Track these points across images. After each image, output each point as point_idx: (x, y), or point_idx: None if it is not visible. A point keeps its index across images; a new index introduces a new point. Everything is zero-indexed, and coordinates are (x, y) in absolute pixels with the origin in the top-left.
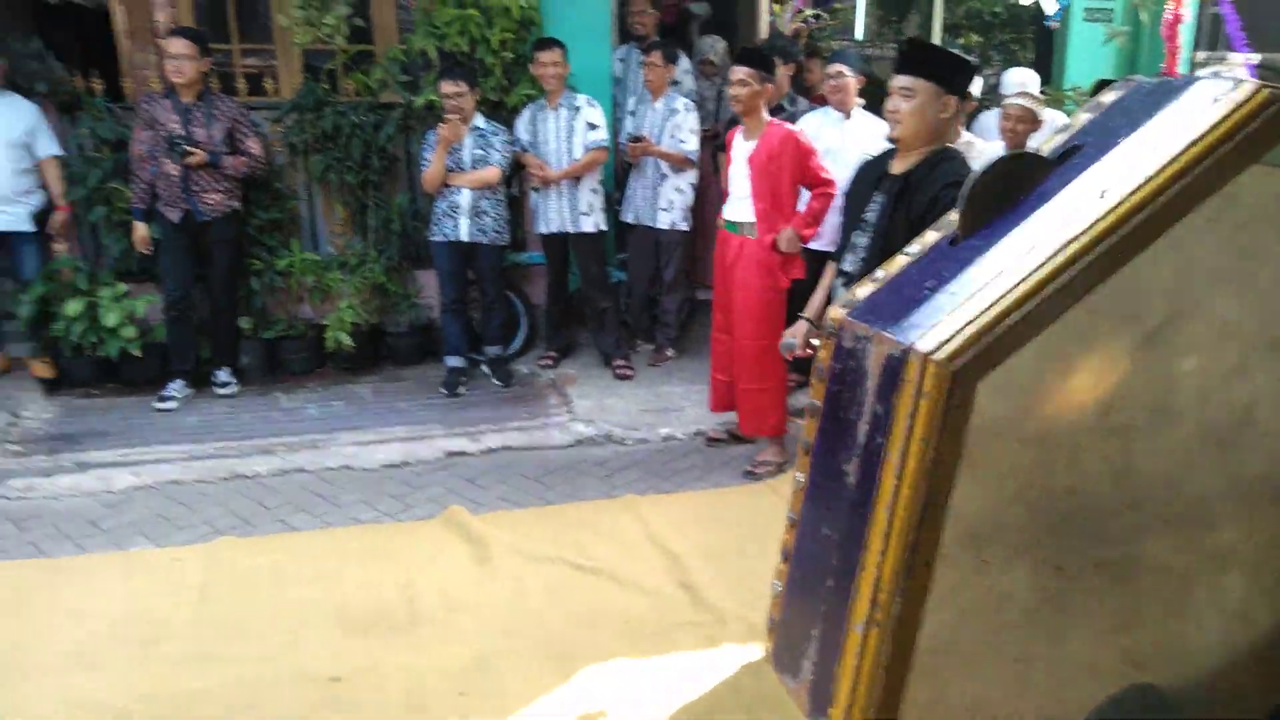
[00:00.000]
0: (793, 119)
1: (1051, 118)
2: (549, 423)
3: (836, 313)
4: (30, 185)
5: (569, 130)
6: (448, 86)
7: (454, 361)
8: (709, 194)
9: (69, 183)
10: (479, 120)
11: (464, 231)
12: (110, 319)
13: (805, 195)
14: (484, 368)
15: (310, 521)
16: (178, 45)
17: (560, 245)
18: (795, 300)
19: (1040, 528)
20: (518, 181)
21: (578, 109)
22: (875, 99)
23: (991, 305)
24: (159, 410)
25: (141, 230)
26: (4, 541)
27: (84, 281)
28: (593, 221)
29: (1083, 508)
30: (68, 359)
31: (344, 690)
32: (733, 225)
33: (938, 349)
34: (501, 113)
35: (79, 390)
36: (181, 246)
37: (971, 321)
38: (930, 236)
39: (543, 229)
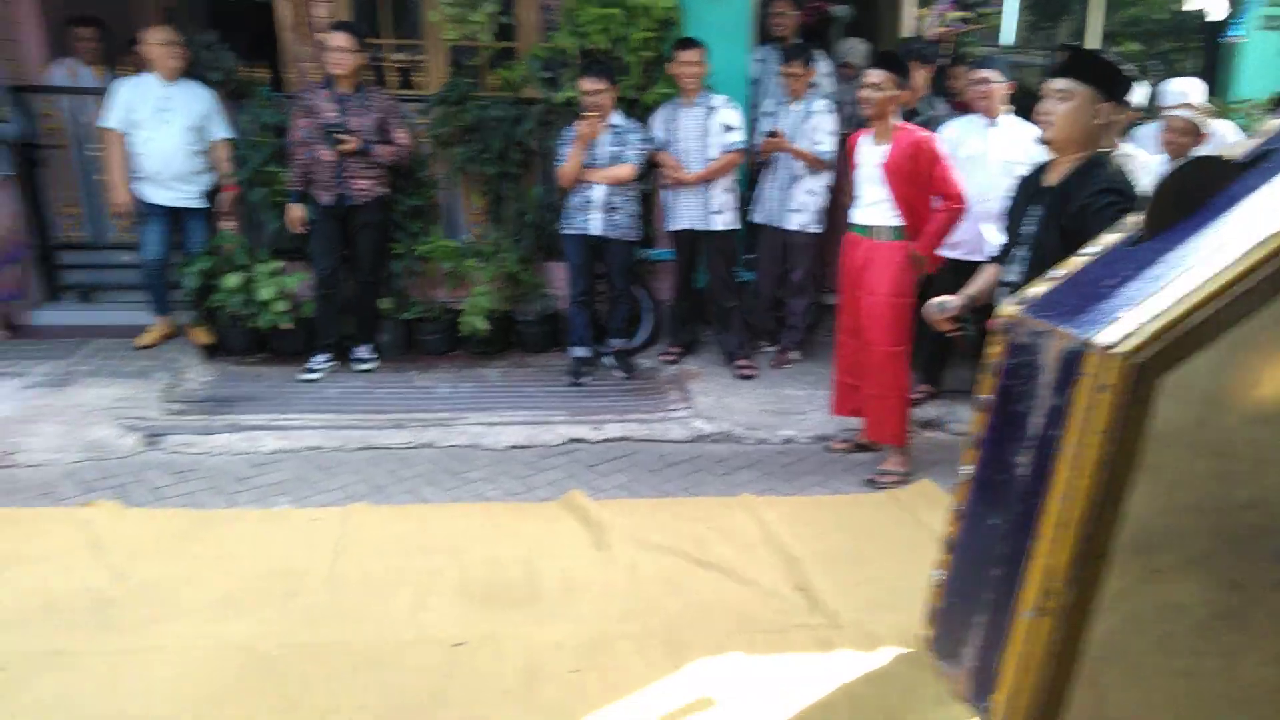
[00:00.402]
0: (929, 124)
1: (1219, 130)
2: (669, 417)
3: (1010, 309)
4: (202, 165)
5: (704, 129)
6: (588, 83)
7: (579, 352)
8: (841, 198)
9: (235, 164)
10: (616, 117)
11: (596, 226)
12: (264, 293)
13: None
14: (607, 359)
15: (438, 494)
16: (338, 39)
17: (690, 242)
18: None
19: (1218, 540)
20: (651, 179)
21: (714, 109)
22: (1024, 107)
23: (1176, 303)
24: (304, 380)
25: (296, 211)
26: (164, 491)
27: (243, 256)
28: (724, 220)
29: (1267, 523)
30: (225, 328)
31: (465, 655)
32: (862, 229)
33: (1119, 343)
34: (638, 111)
35: (234, 358)
36: (331, 228)
37: (1154, 318)
38: (1109, 238)
39: (674, 226)
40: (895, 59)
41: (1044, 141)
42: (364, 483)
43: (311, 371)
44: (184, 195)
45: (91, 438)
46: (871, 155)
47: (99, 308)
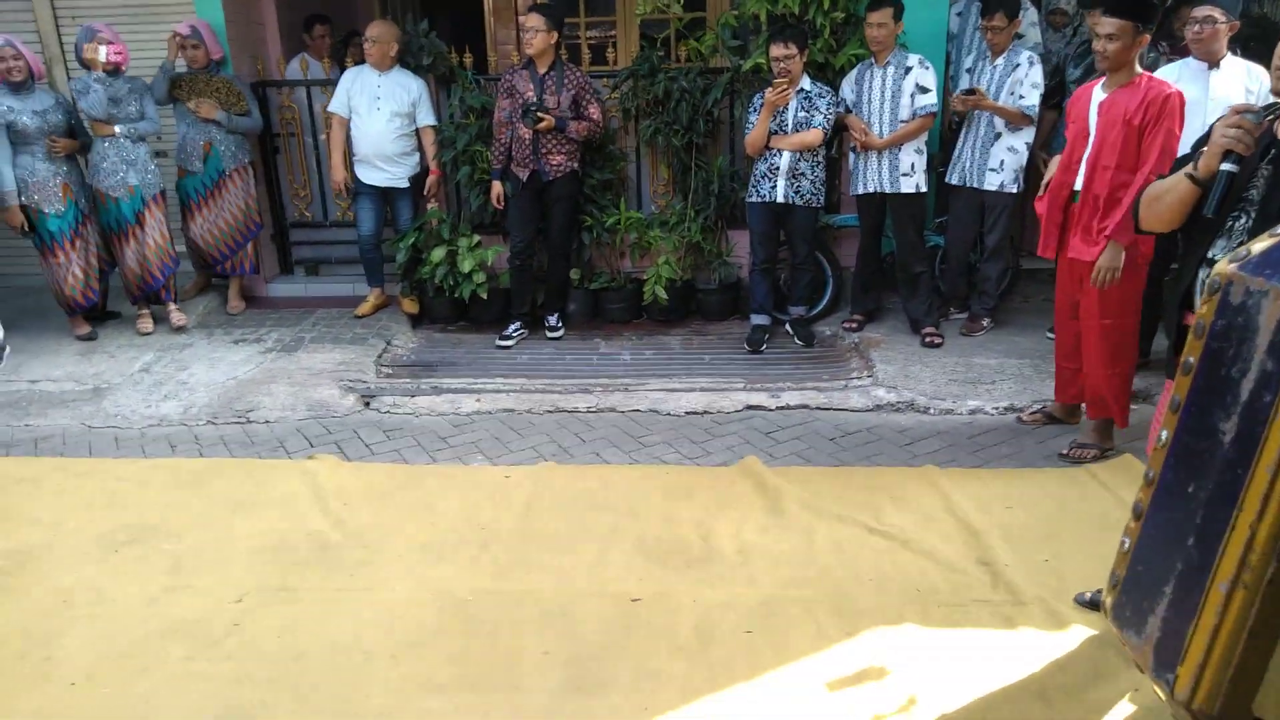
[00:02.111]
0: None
1: None
2: (849, 385)
3: (1225, 267)
4: (410, 148)
5: (895, 90)
6: (777, 49)
7: (759, 319)
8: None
9: (441, 146)
10: (805, 82)
11: (780, 193)
12: (466, 265)
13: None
14: (788, 327)
15: (619, 456)
16: (531, 20)
17: (876, 207)
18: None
19: None
20: (837, 143)
21: (909, 69)
22: (1269, 47)
23: None
24: (500, 347)
25: (498, 188)
26: (376, 446)
27: (446, 232)
28: (914, 183)
29: None
30: (430, 298)
31: (641, 610)
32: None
33: None
34: (828, 74)
35: (437, 325)
36: (528, 203)
37: None
38: None
39: (860, 189)
40: (1130, 1)
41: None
42: (552, 443)
43: (506, 339)
44: (393, 177)
45: (316, 398)
46: (1103, 109)
47: (324, 280)
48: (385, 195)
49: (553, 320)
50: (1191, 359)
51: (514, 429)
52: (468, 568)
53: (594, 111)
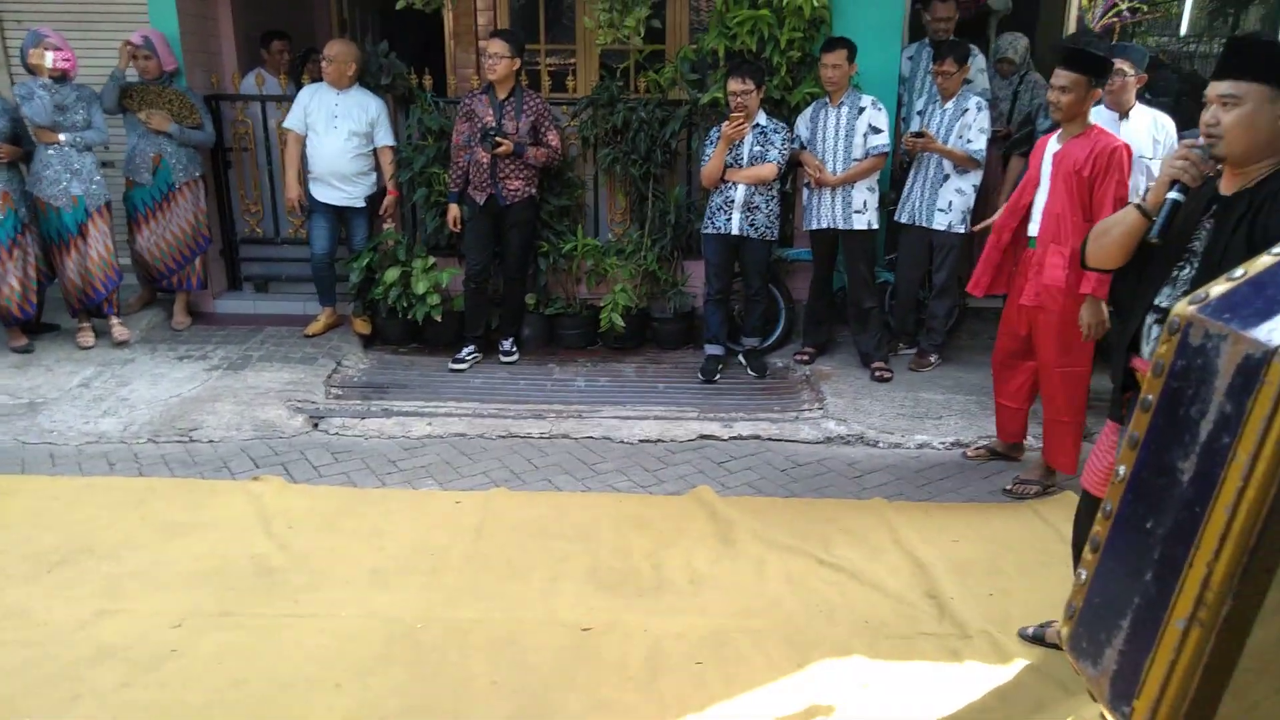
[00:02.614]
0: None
1: None
2: (800, 417)
3: (1185, 308)
4: (367, 168)
5: (849, 130)
6: (735, 84)
7: (713, 349)
8: (991, 198)
9: (398, 167)
10: (760, 118)
11: (735, 226)
12: (420, 287)
13: None
14: (741, 358)
15: (572, 483)
16: (495, 45)
17: (829, 242)
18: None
19: None
20: (791, 179)
21: (862, 110)
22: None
23: None
24: (453, 370)
25: (455, 211)
26: (323, 469)
27: (402, 253)
28: (865, 220)
29: None
30: (383, 319)
31: (592, 640)
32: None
33: None
34: (783, 110)
35: (389, 347)
36: (484, 227)
37: None
38: None
39: (813, 225)
40: (1086, 57)
41: (1216, 159)
42: (504, 469)
43: (459, 362)
44: (349, 196)
45: (262, 418)
46: (1054, 157)
47: (273, 298)
48: (340, 214)
49: (507, 345)
50: (1150, 396)
51: (465, 454)
52: (416, 595)
53: (552, 138)
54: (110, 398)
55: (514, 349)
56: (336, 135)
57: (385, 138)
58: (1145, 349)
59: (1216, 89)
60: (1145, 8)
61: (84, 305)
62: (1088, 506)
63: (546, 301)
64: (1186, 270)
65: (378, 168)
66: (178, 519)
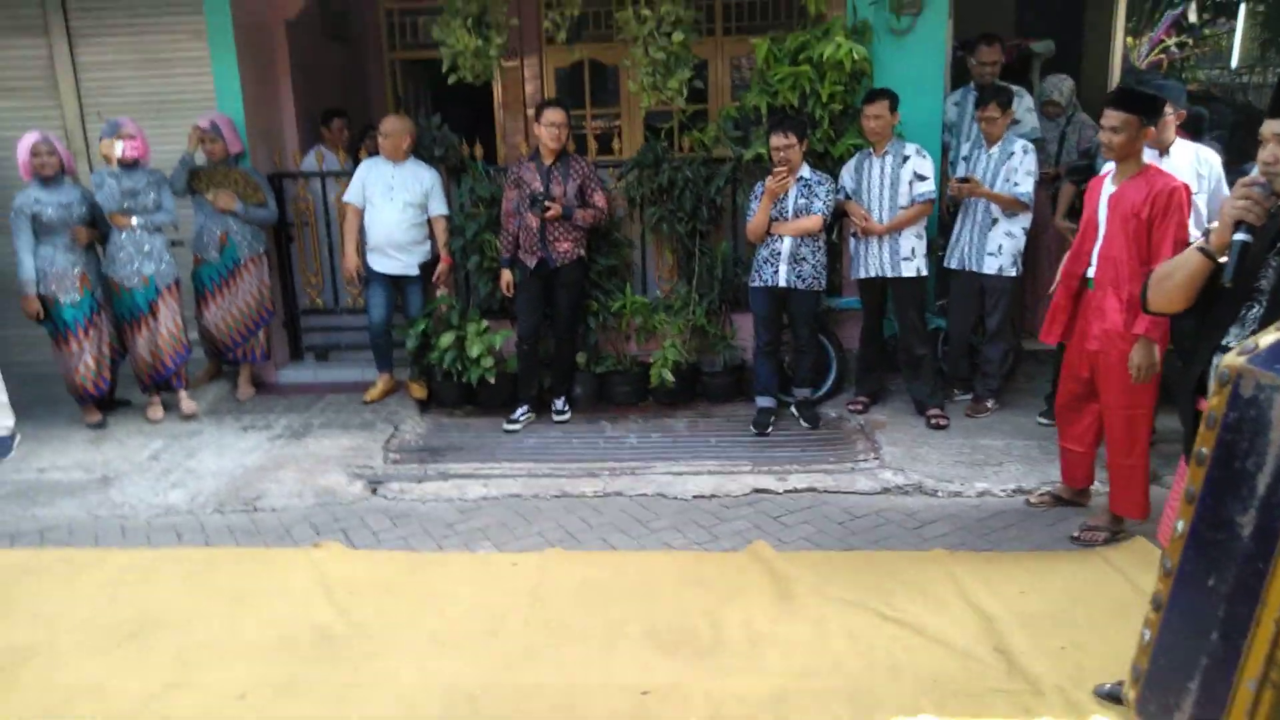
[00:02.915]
0: (1091, 155)
1: None
2: (856, 468)
3: (1234, 360)
4: (422, 237)
5: (894, 179)
6: (777, 139)
7: (764, 401)
8: (1042, 239)
9: (451, 235)
10: (804, 170)
11: (782, 278)
12: (474, 350)
13: None
14: (793, 409)
15: (627, 541)
16: (559, 115)
17: (878, 290)
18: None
19: None
20: (838, 229)
21: (906, 158)
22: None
23: None
24: (507, 431)
25: (507, 276)
26: (382, 534)
27: (455, 318)
28: (914, 267)
29: None
30: (438, 383)
31: (651, 704)
32: (1094, 282)
33: None
34: (827, 162)
35: (445, 410)
36: (535, 289)
37: None
38: None
39: (862, 274)
40: (1136, 96)
41: (1278, 195)
42: (559, 529)
43: (513, 423)
44: (404, 265)
45: (323, 484)
46: (1110, 199)
47: (333, 366)
48: (396, 282)
49: (560, 404)
50: (1205, 449)
51: (521, 515)
52: (475, 659)
53: (599, 199)
54: (178, 470)
55: (566, 408)
56: (393, 206)
57: (439, 207)
58: (1211, 386)
59: (1273, 127)
60: (1192, 42)
61: (154, 380)
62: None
63: (597, 359)
64: (1255, 309)
65: (432, 236)
66: (243, 588)
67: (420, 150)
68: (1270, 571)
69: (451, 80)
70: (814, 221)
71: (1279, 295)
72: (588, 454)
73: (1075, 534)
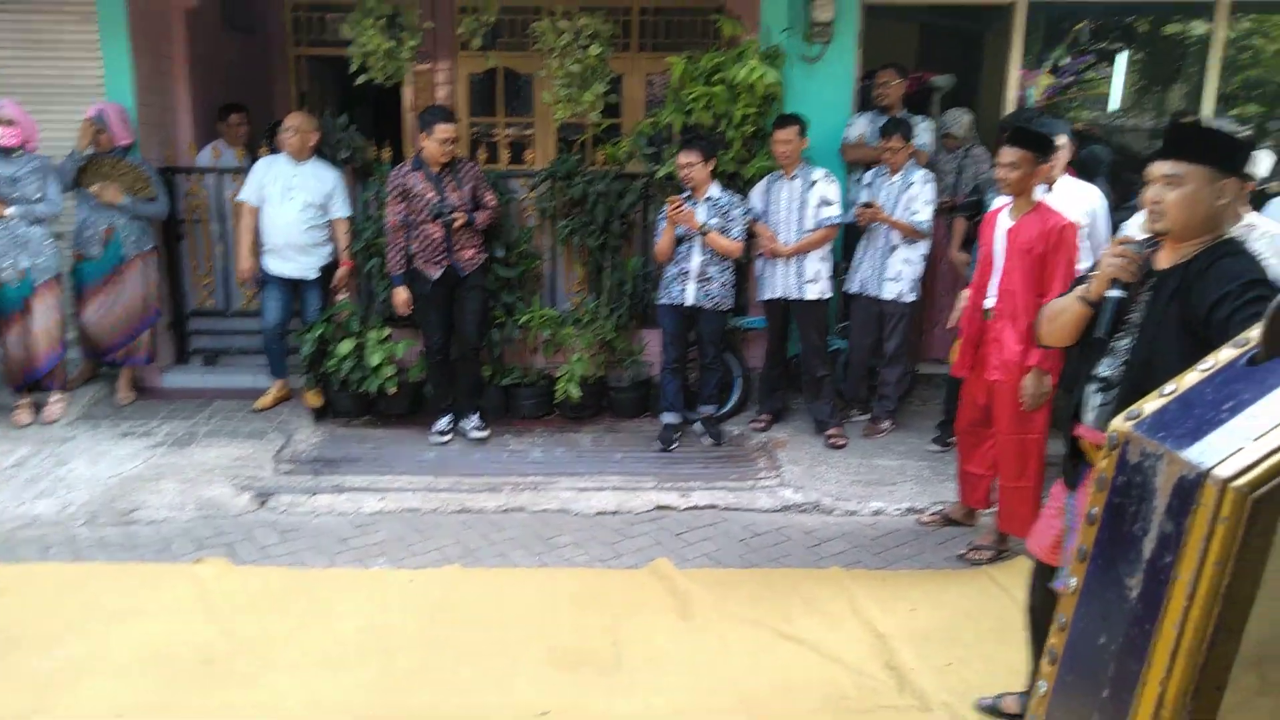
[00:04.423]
0: (981, 189)
1: None
2: (757, 485)
3: (1122, 425)
4: (322, 239)
5: (801, 202)
6: (682, 157)
7: (670, 418)
8: (938, 267)
9: (353, 238)
10: (714, 189)
11: (690, 296)
12: (374, 358)
13: None
14: (697, 426)
15: (528, 558)
16: (450, 131)
17: (783, 311)
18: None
19: None
20: (746, 249)
21: (814, 182)
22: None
23: None
24: (435, 444)
25: (403, 294)
26: (270, 549)
27: (355, 324)
28: (818, 289)
29: None
30: (335, 392)
31: None
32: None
33: (1237, 476)
34: (738, 183)
35: (341, 420)
36: (442, 299)
37: (1275, 451)
38: (1225, 354)
39: (767, 294)
40: (1030, 134)
41: (1157, 233)
42: (458, 545)
43: (441, 434)
44: (303, 267)
45: (207, 496)
46: (1007, 234)
47: (222, 371)
48: (293, 286)
49: (476, 420)
50: (1096, 510)
51: (419, 530)
52: (366, 680)
53: (490, 199)
54: (46, 478)
55: (482, 425)
56: (291, 206)
57: (341, 209)
58: (1088, 416)
59: (1160, 168)
60: (1076, 84)
61: (25, 380)
62: (1039, 572)
63: (502, 372)
64: (1125, 341)
65: (333, 240)
66: (116, 606)
67: (324, 150)
68: (1155, 632)
69: (360, 81)
70: (735, 247)
71: (1147, 329)
72: (490, 468)
73: (962, 552)
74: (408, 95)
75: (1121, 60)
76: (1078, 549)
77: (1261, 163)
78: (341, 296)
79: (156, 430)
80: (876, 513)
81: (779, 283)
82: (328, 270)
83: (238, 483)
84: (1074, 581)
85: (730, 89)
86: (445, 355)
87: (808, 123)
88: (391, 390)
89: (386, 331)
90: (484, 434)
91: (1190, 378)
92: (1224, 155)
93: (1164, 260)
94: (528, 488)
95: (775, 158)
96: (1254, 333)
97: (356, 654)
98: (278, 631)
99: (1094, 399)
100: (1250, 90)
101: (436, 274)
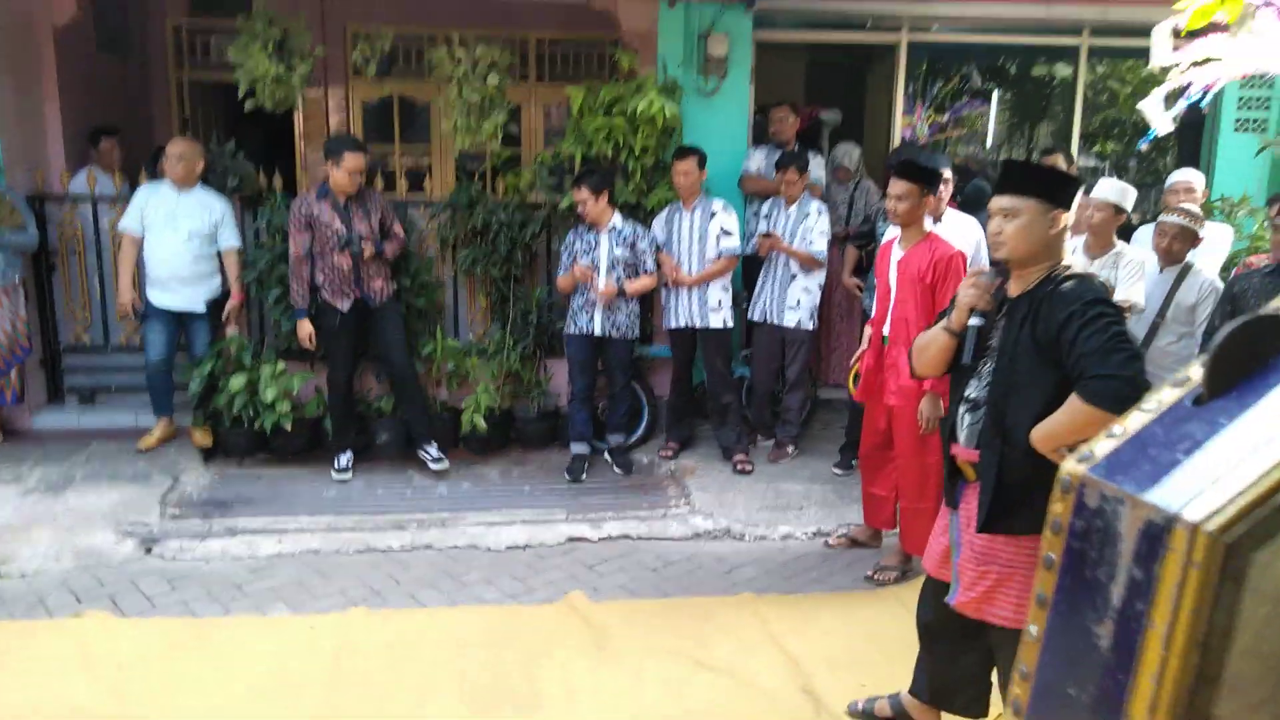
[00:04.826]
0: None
1: (1214, 235)
2: (668, 514)
3: (1075, 468)
4: (210, 271)
5: (702, 232)
6: (574, 193)
7: (579, 448)
8: (834, 296)
9: (243, 269)
10: (616, 220)
11: (598, 326)
12: (268, 394)
13: None
14: (606, 455)
15: (437, 597)
16: (356, 161)
17: (688, 340)
18: None
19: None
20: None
21: (714, 213)
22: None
23: (1264, 475)
24: (337, 481)
25: (307, 328)
26: (158, 599)
27: (248, 358)
28: (721, 318)
29: None
30: (225, 429)
31: None
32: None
33: (1208, 519)
34: (640, 214)
35: (233, 459)
36: (350, 332)
37: (1242, 492)
38: (1167, 394)
39: (672, 324)
40: (916, 167)
41: (1000, 262)
42: (362, 586)
43: (342, 472)
44: (189, 299)
45: (86, 544)
46: (899, 264)
47: (101, 410)
48: (179, 319)
49: (434, 450)
50: (1052, 555)
51: (320, 572)
52: None
53: (399, 229)
54: None
55: (441, 455)
56: (177, 236)
57: (231, 239)
58: (960, 435)
59: (999, 203)
60: (951, 123)
61: None
62: (930, 587)
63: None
64: (988, 364)
65: (222, 271)
66: None
67: (210, 178)
68: (1132, 685)
69: (249, 107)
70: (650, 281)
71: (1004, 352)
72: (394, 505)
73: (870, 573)
74: (299, 122)
75: (994, 99)
76: (1035, 594)
77: (1128, 196)
78: (232, 330)
79: (27, 475)
80: (785, 537)
81: (684, 311)
82: (216, 303)
83: (120, 529)
84: (1035, 630)
85: (630, 121)
86: (348, 391)
87: (706, 155)
88: (288, 427)
89: (281, 366)
90: (443, 465)
91: (1136, 418)
92: (1053, 189)
93: (1014, 289)
94: (434, 524)
95: (676, 189)
96: (1194, 371)
97: (256, 708)
98: (167, 688)
99: (965, 419)
100: (1109, 129)
101: (345, 306)
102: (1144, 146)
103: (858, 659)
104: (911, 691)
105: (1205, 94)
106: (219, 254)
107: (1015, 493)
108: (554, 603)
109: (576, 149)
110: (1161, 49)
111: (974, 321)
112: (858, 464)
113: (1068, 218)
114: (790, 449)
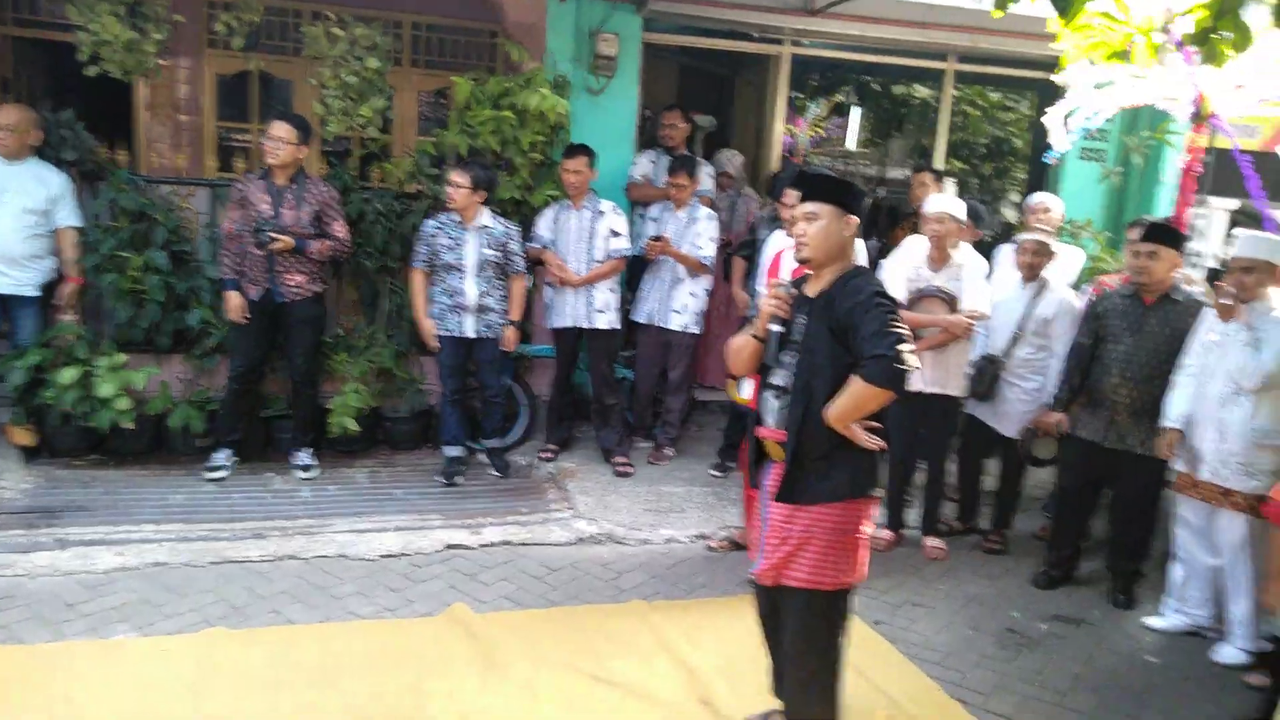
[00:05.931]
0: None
1: (1070, 256)
2: (549, 518)
3: None
4: (42, 251)
5: (590, 232)
6: (454, 175)
7: (453, 451)
8: (714, 299)
9: (82, 251)
10: (486, 217)
11: (469, 328)
12: (105, 389)
13: None
14: (483, 457)
15: (306, 613)
16: (282, 130)
17: (572, 340)
18: None
19: None
20: (531, 277)
21: (602, 214)
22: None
23: None
24: (211, 480)
25: (236, 300)
26: None
27: (83, 350)
28: (607, 319)
29: None
30: (53, 427)
31: None
32: None
33: None
34: (524, 211)
35: (61, 461)
36: (256, 323)
37: None
38: None
39: (557, 323)
40: (810, 178)
41: (802, 261)
42: (220, 603)
43: (216, 469)
44: (17, 282)
45: None
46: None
47: None
48: (4, 304)
49: (305, 457)
50: None
51: (169, 588)
52: None
53: (338, 230)
54: None
55: (314, 461)
56: (5, 212)
57: (68, 218)
58: (768, 419)
59: (803, 208)
60: (822, 135)
61: None
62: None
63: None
64: (790, 356)
65: (57, 252)
66: None
67: (46, 151)
68: None
69: (93, 73)
70: (523, 289)
71: (805, 345)
72: (252, 511)
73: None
74: (142, 92)
75: (857, 114)
76: None
77: (962, 208)
78: (66, 317)
79: None
80: (669, 540)
81: (569, 312)
82: (49, 288)
83: None
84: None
85: (519, 115)
86: (245, 383)
87: (596, 155)
88: (129, 425)
89: (123, 358)
90: (310, 475)
91: None
92: (844, 197)
93: (812, 290)
94: (299, 532)
95: (564, 187)
96: None
97: None
98: None
99: (773, 404)
100: (960, 150)
101: (254, 295)
102: (1052, 160)
103: (751, 664)
104: (773, 691)
105: (1099, 117)
106: (54, 233)
107: (813, 466)
108: (435, 616)
109: (461, 140)
110: (1058, 135)
111: (774, 328)
112: (735, 466)
113: (856, 222)
114: (669, 451)
